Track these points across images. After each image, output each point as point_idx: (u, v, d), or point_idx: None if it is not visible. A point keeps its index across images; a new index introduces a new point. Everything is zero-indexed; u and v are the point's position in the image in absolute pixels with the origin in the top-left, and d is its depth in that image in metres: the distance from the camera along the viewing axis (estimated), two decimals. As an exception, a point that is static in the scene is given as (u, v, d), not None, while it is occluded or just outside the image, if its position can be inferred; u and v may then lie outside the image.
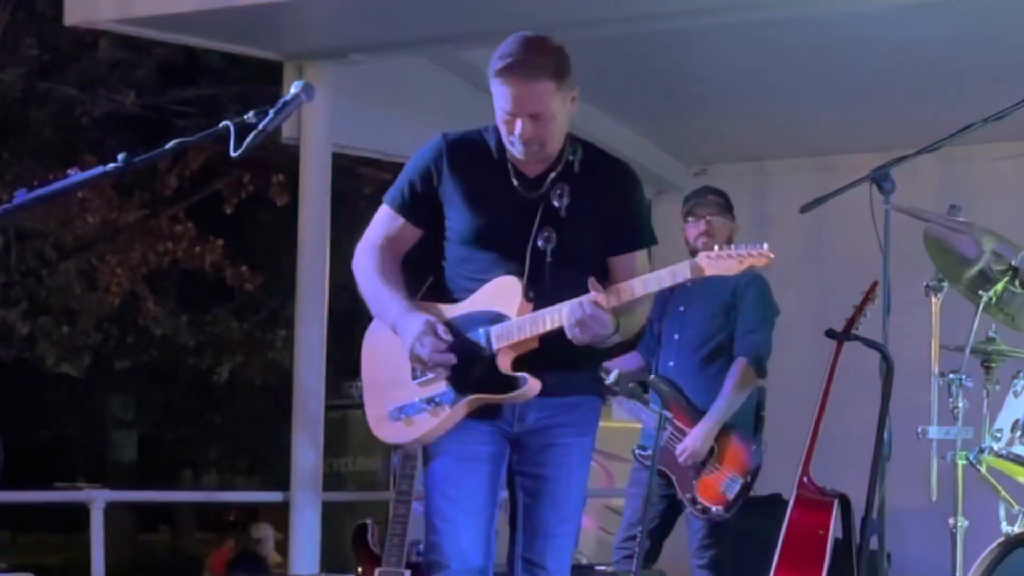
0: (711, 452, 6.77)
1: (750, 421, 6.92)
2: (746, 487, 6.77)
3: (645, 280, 4.39)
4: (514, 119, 4.44)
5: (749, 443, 6.80)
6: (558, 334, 4.40)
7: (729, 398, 6.79)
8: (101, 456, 22.93)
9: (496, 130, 4.56)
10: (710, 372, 6.89)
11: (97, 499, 7.94)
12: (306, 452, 8.23)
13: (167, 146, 3.68)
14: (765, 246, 4.31)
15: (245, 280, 16.35)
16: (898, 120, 8.49)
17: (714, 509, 6.77)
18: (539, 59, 4.42)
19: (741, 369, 6.82)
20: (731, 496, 6.75)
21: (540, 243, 4.51)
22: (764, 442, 6.90)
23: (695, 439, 6.76)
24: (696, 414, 6.81)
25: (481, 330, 4.49)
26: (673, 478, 6.83)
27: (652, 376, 6.96)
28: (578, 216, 4.53)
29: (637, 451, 6.93)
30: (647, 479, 6.39)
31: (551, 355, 4.46)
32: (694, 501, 6.79)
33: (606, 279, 4.51)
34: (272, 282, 16.08)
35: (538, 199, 4.53)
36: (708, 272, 4.32)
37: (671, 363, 6.97)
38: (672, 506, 6.93)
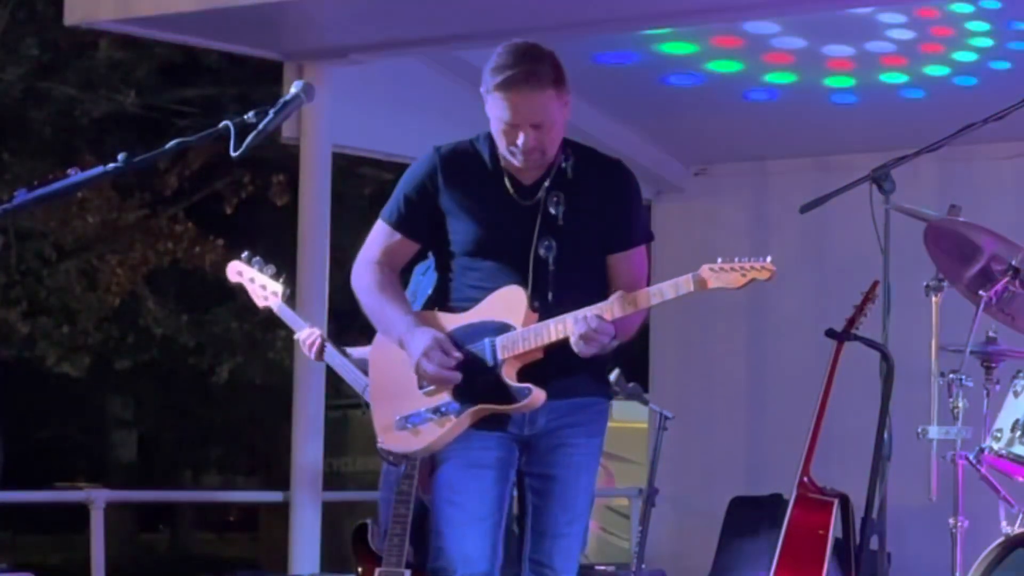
0: None
1: None
2: None
3: (648, 293, 4.41)
4: (516, 130, 4.45)
5: None
6: (563, 341, 4.41)
7: None
8: (101, 456, 22.89)
9: (487, 139, 4.57)
10: None
11: (97, 499, 7.94)
12: (306, 452, 8.23)
13: (167, 146, 3.68)
14: (768, 259, 4.32)
15: (245, 280, 16.30)
16: (898, 120, 8.48)
17: None
18: (540, 68, 4.44)
19: None
20: None
21: (542, 252, 4.52)
22: None
23: None
24: None
25: (487, 340, 4.49)
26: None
27: None
28: (576, 222, 4.54)
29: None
30: (394, 480, 6.06)
31: (557, 360, 4.46)
32: None
33: (605, 279, 4.53)
34: (272, 282, 16.04)
35: (535, 206, 4.54)
36: (712, 285, 4.33)
37: None
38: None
